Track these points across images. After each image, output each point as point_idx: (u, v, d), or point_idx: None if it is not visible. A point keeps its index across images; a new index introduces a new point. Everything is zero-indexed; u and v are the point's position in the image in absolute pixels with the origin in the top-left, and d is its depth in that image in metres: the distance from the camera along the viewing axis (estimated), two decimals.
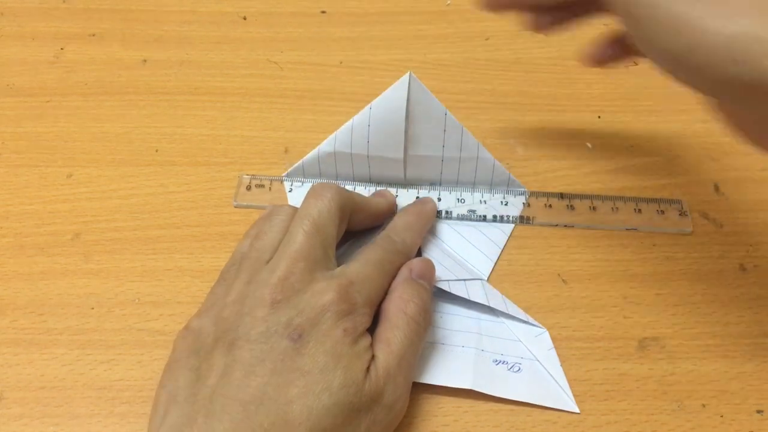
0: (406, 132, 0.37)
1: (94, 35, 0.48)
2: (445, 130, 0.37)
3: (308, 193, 0.32)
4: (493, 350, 0.34)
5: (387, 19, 0.50)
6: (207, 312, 0.31)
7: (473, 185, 0.40)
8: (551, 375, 0.33)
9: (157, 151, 0.42)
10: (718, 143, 0.43)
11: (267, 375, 0.27)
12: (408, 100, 0.36)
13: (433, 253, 0.36)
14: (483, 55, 0.48)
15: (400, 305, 0.31)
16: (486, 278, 0.36)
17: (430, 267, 0.34)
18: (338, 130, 0.38)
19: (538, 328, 0.34)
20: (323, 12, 0.50)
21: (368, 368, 0.28)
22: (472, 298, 0.34)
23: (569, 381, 0.33)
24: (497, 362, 0.33)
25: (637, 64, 0.47)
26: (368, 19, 0.50)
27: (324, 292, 0.29)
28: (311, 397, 0.27)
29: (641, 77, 0.46)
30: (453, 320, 0.35)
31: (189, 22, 0.49)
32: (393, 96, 0.36)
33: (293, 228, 0.31)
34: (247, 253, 0.32)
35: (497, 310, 0.35)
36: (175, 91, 0.45)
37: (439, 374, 0.33)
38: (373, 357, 0.29)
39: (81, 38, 0.48)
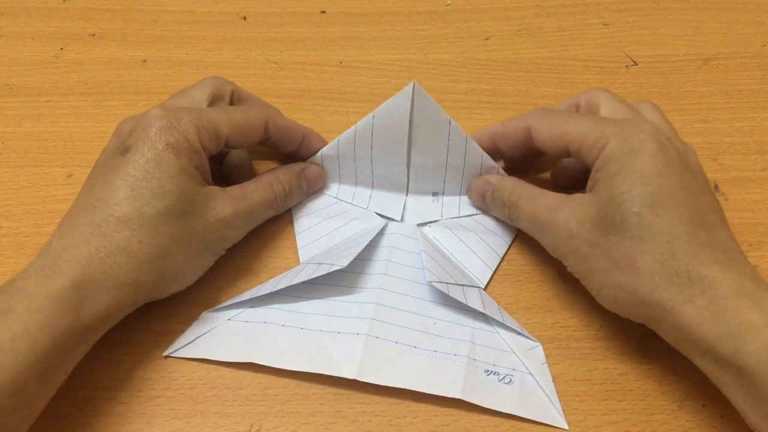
0: (409, 142, 0.36)
1: (94, 35, 0.48)
2: (449, 139, 0.36)
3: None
4: (486, 360, 0.33)
5: (387, 19, 0.50)
6: None
7: None
8: (543, 389, 0.32)
9: None
10: (718, 143, 0.43)
11: (101, 186, 0.32)
12: (412, 109, 0.35)
13: (432, 256, 0.36)
14: (483, 55, 0.48)
15: (272, 179, 0.37)
16: (483, 287, 0.36)
17: (318, 177, 0.39)
18: (341, 136, 0.38)
19: (533, 342, 0.34)
20: (323, 12, 0.50)
21: (203, 183, 0.33)
22: (469, 304, 0.34)
23: (569, 381, 0.33)
24: (488, 372, 0.33)
25: (636, 64, 0.47)
26: (368, 19, 0.50)
27: (152, 114, 0.33)
28: (140, 201, 0.31)
29: (641, 77, 0.46)
30: (447, 327, 0.34)
31: (189, 22, 0.49)
32: (396, 105, 0.35)
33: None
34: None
35: (492, 319, 0.35)
36: (175, 91, 0.45)
37: (428, 382, 0.32)
38: (219, 188, 0.34)
39: (81, 38, 0.48)
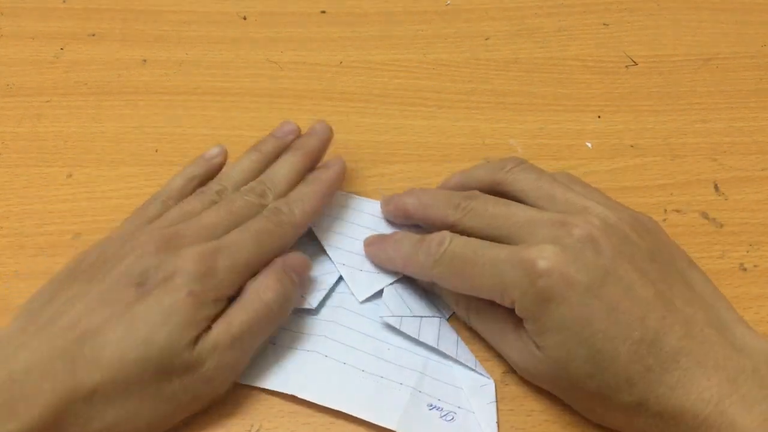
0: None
1: (94, 35, 0.48)
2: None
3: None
4: (431, 393, 0.32)
5: (387, 18, 0.50)
6: (106, 241, 0.32)
7: None
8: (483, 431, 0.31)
9: (156, 151, 0.42)
10: (718, 143, 0.43)
11: (99, 313, 0.28)
12: None
13: (398, 281, 0.35)
14: (483, 55, 0.48)
15: (259, 288, 0.31)
16: (447, 317, 0.35)
17: (304, 264, 0.34)
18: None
19: (485, 378, 0.33)
20: (323, 12, 0.50)
21: (198, 336, 0.29)
22: (421, 339, 0.33)
23: None
24: (431, 407, 0.32)
25: (636, 64, 0.47)
26: (368, 19, 0.50)
27: (188, 256, 0.30)
28: (127, 345, 0.27)
29: (641, 77, 0.46)
30: (399, 354, 0.33)
31: (189, 22, 0.49)
32: None
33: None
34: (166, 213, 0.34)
35: (445, 353, 0.33)
36: (175, 91, 0.45)
37: (367, 408, 0.31)
38: (209, 328, 0.29)
39: (81, 38, 0.48)
